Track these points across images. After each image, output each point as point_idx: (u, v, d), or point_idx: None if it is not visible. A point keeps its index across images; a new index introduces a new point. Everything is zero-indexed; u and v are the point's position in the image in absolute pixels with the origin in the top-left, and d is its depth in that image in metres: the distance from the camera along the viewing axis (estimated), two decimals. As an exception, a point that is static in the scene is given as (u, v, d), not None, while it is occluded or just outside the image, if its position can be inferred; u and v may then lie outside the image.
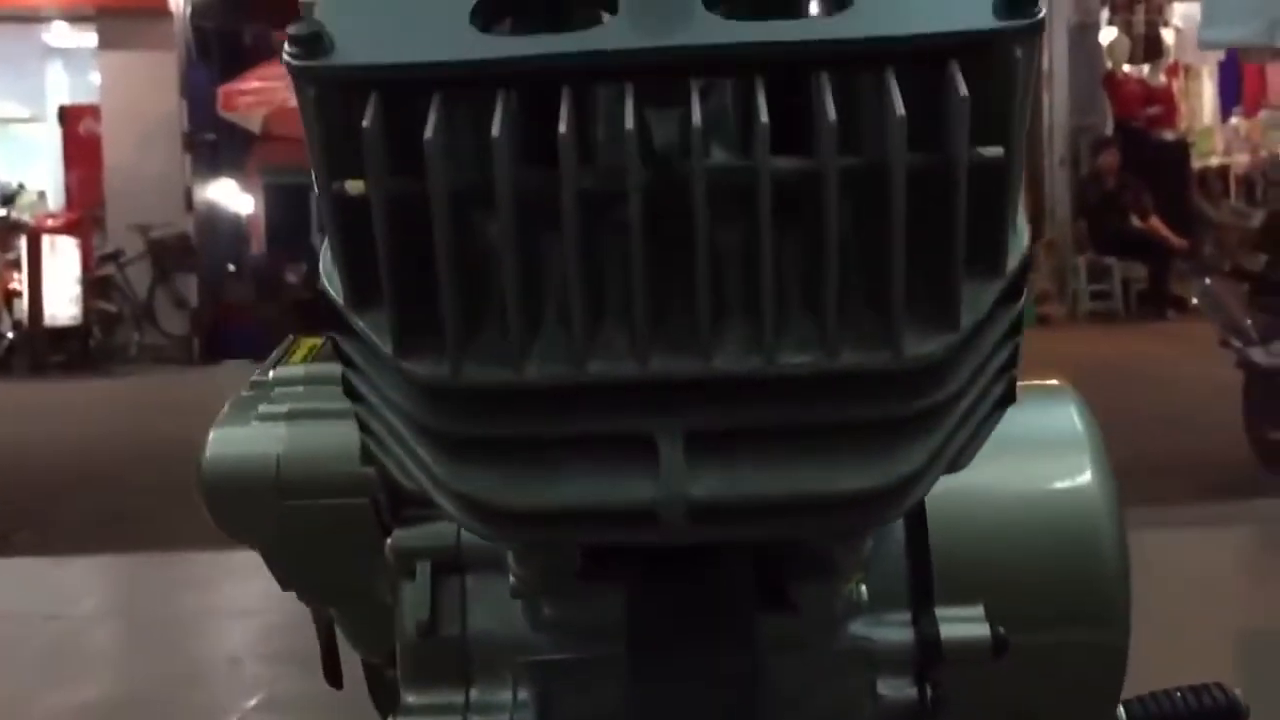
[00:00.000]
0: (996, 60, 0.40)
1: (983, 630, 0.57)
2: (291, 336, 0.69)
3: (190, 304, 8.25)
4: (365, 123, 0.40)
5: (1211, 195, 9.02)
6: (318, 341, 0.69)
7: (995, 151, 0.41)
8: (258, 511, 0.58)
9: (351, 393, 0.47)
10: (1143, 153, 8.39)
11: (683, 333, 0.42)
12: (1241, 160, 9.24)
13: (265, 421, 0.58)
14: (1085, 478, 0.63)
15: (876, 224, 0.41)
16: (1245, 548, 2.82)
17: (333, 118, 0.41)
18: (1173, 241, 7.97)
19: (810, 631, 0.54)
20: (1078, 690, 0.61)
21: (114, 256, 8.10)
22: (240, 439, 0.58)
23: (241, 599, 2.35)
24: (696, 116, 0.40)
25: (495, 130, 0.39)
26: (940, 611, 0.57)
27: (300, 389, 0.60)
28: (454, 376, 0.42)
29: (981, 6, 0.40)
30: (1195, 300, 4.12)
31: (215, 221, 9.01)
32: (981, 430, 0.47)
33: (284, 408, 0.59)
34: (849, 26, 0.40)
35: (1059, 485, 0.63)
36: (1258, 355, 3.70)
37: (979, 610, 0.57)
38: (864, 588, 0.55)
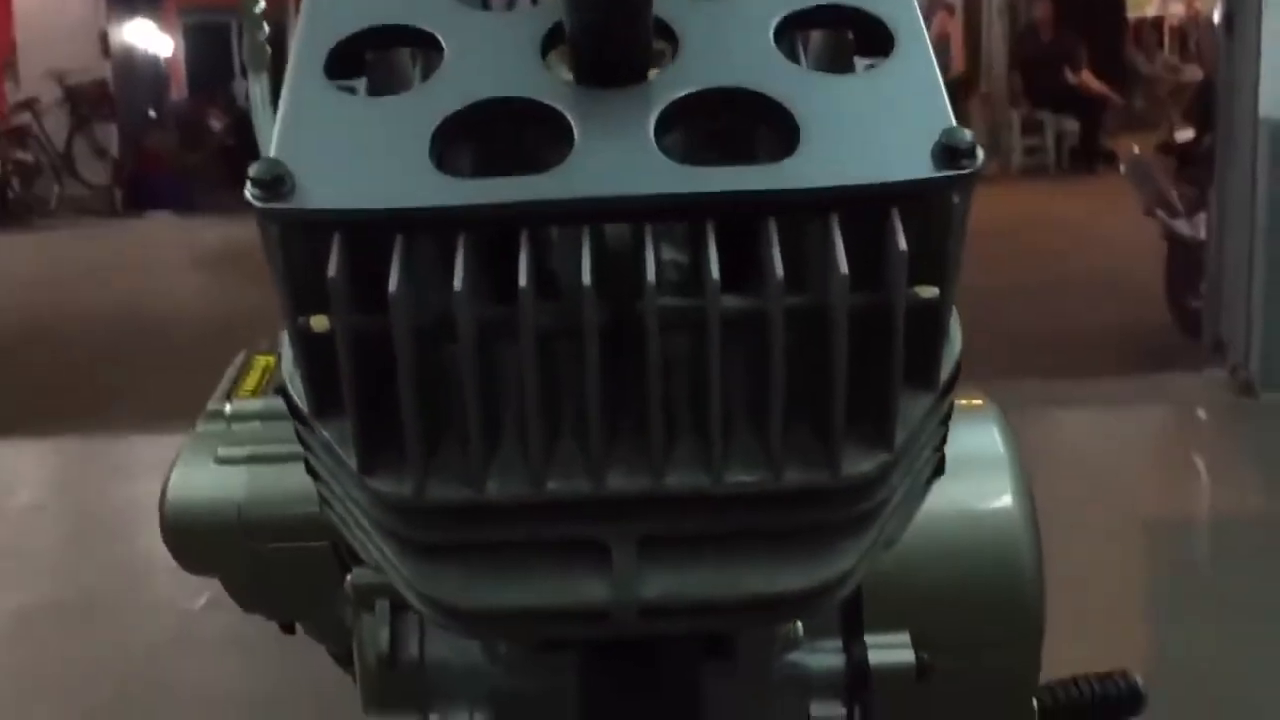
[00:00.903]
0: (934, 206, 0.42)
1: (908, 656, 0.61)
2: (244, 354, 0.70)
3: (110, 153, 8.05)
4: (330, 269, 0.41)
5: (1146, 47, 9.03)
6: (270, 360, 0.71)
7: (932, 292, 0.43)
8: (221, 554, 0.60)
9: (312, 473, 0.49)
10: (1078, 4, 8.35)
11: (635, 451, 0.44)
12: (1176, 11, 9.24)
13: (226, 465, 0.60)
14: (1006, 500, 0.67)
15: (819, 354, 0.43)
16: (1153, 428, 2.92)
17: (296, 255, 0.42)
18: (1105, 95, 8.00)
19: (748, 667, 0.58)
20: (994, 698, 0.66)
21: (29, 105, 7.85)
22: (202, 482, 0.60)
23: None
24: (650, 265, 0.41)
25: (457, 283, 0.41)
26: (870, 639, 0.61)
27: (258, 425, 0.62)
28: (417, 496, 0.44)
29: (920, 155, 0.42)
30: (1123, 170, 4.18)
31: (134, 66, 8.74)
32: (912, 509, 0.50)
33: (244, 450, 0.61)
34: (795, 175, 0.42)
35: (980, 507, 0.67)
36: (1182, 227, 3.78)
37: (905, 638, 0.61)
38: (799, 622, 0.59)
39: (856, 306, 0.42)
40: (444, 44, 0.47)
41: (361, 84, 0.47)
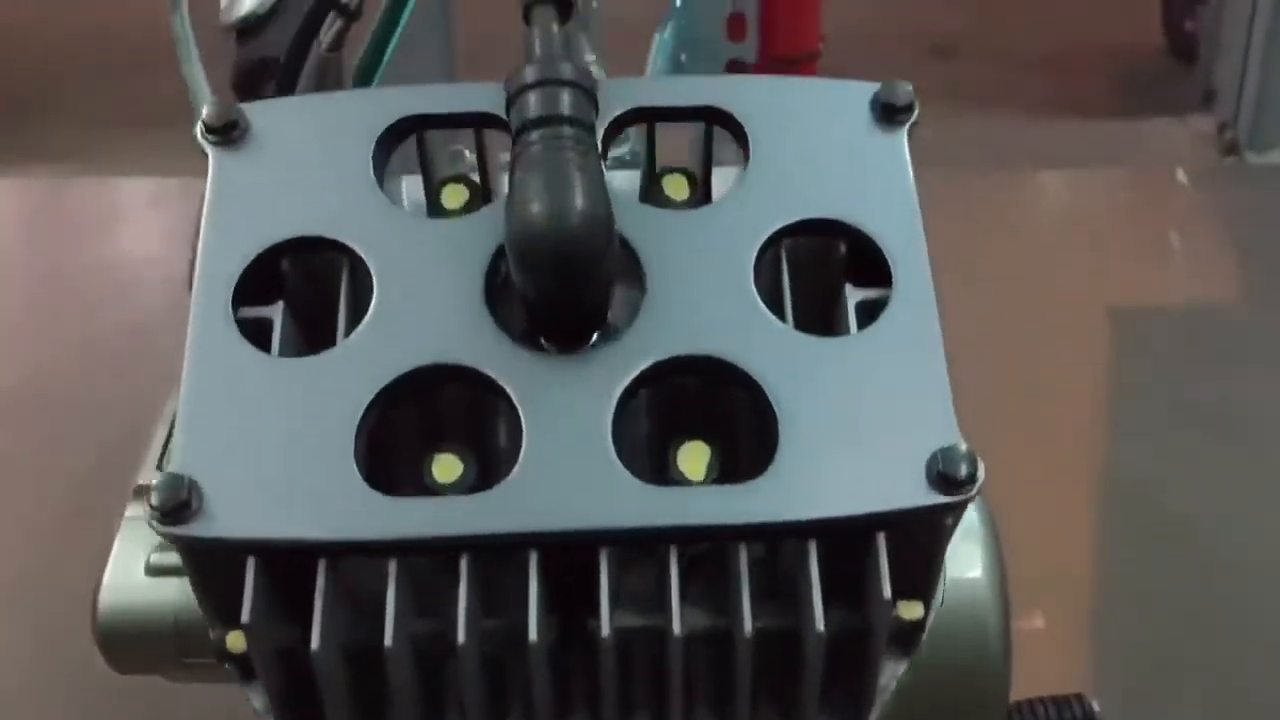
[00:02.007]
0: (925, 529, 0.38)
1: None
2: (171, 407, 0.65)
3: None
4: (245, 597, 0.36)
5: None
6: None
7: (915, 612, 0.39)
8: (158, 663, 0.57)
9: None
10: None
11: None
12: None
13: (158, 575, 0.57)
14: (976, 572, 0.64)
15: (789, 661, 0.40)
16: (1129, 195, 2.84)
17: (208, 573, 0.38)
18: None
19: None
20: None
21: None
22: (135, 593, 0.57)
23: (141, 245, 2.29)
24: (605, 590, 0.37)
25: (389, 619, 0.36)
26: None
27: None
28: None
29: (913, 477, 0.37)
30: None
31: None
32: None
33: (174, 559, 0.57)
34: (774, 503, 0.37)
35: (950, 578, 0.64)
36: (1183, -54, 3.60)
37: None
38: None
39: (832, 629, 0.38)
40: (371, 270, 0.40)
41: (278, 311, 0.41)
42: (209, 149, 0.42)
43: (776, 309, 0.40)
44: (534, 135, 0.38)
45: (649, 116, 0.43)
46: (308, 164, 0.42)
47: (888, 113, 0.43)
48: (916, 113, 0.43)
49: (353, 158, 0.42)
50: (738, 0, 0.82)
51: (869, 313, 0.40)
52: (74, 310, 2.14)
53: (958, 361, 0.41)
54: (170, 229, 2.23)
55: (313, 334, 0.41)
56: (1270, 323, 1.98)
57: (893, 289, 0.40)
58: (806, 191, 0.41)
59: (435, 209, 0.44)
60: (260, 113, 0.43)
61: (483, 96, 0.43)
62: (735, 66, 0.84)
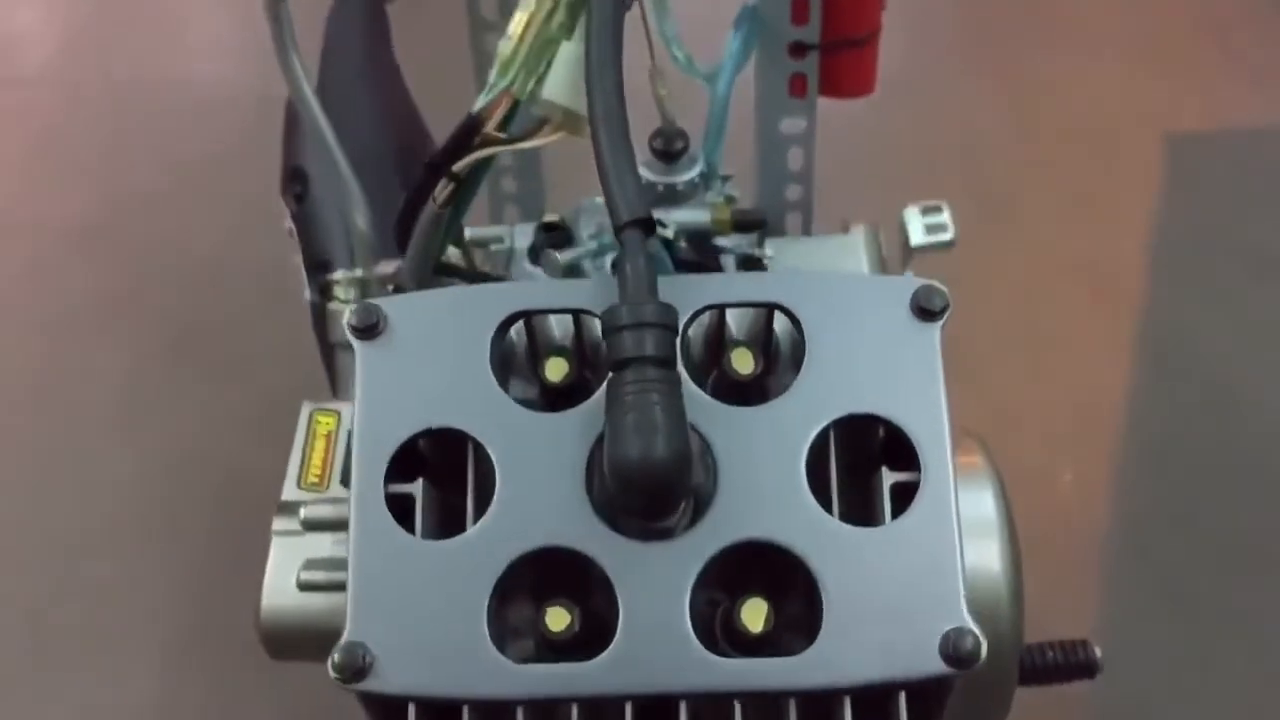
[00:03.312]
0: (936, 689, 0.48)
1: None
2: (307, 412, 0.75)
3: None
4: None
5: None
6: (331, 423, 0.76)
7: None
8: (306, 655, 0.69)
9: None
10: None
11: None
12: None
13: (307, 590, 0.68)
14: (994, 567, 0.73)
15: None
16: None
17: (379, 713, 0.49)
18: None
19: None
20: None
21: None
22: (290, 601, 0.68)
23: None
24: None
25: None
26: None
27: (330, 544, 0.69)
28: None
29: (928, 653, 0.47)
30: None
31: None
32: None
33: (323, 576, 0.68)
34: (818, 670, 0.47)
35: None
36: None
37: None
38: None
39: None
40: (492, 456, 0.49)
41: (419, 488, 0.50)
42: (356, 344, 0.51)
43: (823, 492, 0.49)
44: (627, 376, 0.46)
45: (720, 308, 0.51)
46: (438, 357, 0.51)
47: (924, 314, 0.50)
48: (949, 314, 0.50)
49: (474, 351, 0.50)
50: (799, -14, 0.86)
51: (900, 493, 0.49)
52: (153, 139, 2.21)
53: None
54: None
55: (449, 505, 0.51)
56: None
57: (921, 478, 0.49)
58: (852, 388, 0.50)
59: (539, 377, 0.53)
60: (397, 308, 0.51)
61: (582, 293, 0.51)
62: (798, 49, 0.89)
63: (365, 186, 1.21)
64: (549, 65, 0.55)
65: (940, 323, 0.50)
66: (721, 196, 0.83)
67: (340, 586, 0.68)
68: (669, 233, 0.76)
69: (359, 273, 0.85)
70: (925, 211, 0.97)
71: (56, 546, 1.55)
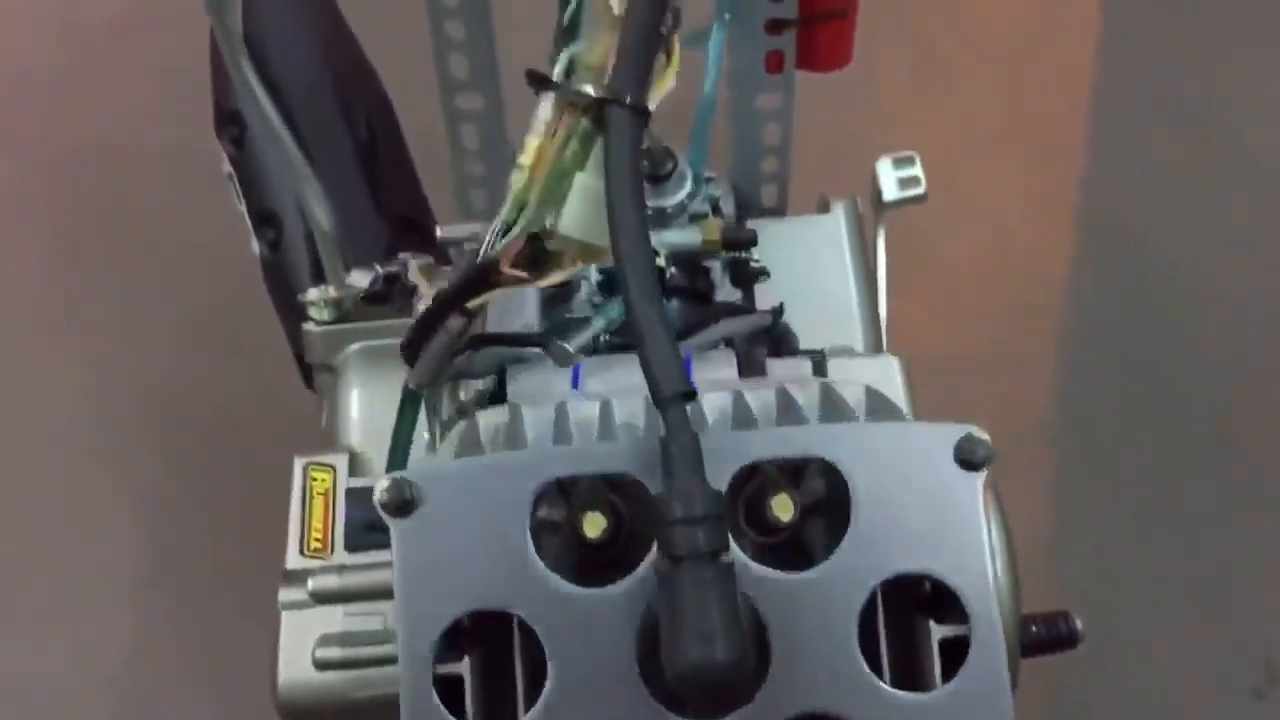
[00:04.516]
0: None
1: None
2: (301, 468, 0.73)
3: None
4: None
5: None
6: (326, 479, 0.74)
7: None
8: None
9: None
10: None
11: None
12: None
13: (326, 670, 0.68)
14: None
15: None
16: None
17: None
18: None
19: None
20: None
21: None
22: (308, 679, 0.68)
23: None
24: None
25: None
26: None
27: (341, 615, 0.68)
28: None
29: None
30: None
31: None
32: None
33: (339, 653, 0.67)
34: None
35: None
36: None
37: None
38: None
39: None
40: (539, 635, 0.49)
41: (466, 668, 0.50)
42: (389, 521, 0.49)
43: (872, 651, 0.50)
44: (682, 573, 0.46)
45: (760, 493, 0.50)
46: (476, 531, 0.49)
47: (967, 465, 0.50)
48: (993, 462, 0.50)
49: (513, 525, 0.49)
50: (774, -37, 0.82)
51: (947, 647, 0.50)
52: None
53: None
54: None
55: (498, 682, 0.50)
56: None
57: (970, 633, 0.49)
58: (899, 545, 0.49)
59: (576, 531, 0.51)
60: (430, 483, 0.49)
61: (620, 457, 0.50)
62: (775, 25, 0.85)
63: (308, 135, 1.15)
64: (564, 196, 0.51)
65: (984, 471, 0.50)
66: (705, 204, 0.80)
67: (358, 663, 0.69)
68: (660, 261, 0.74)
69: (333, 292, 0.82)
70: (897, 164, 0.95)
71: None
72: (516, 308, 0.78)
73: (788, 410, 0.55)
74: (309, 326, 0.82)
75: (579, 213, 0.51)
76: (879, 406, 0.57)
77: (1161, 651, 1.30)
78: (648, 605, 0.49)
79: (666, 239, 0.75)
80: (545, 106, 0.51)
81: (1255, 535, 1.38)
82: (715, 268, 0.80)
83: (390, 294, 0.82)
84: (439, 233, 0.85)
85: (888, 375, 0.77)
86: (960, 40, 1.92)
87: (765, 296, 0.83)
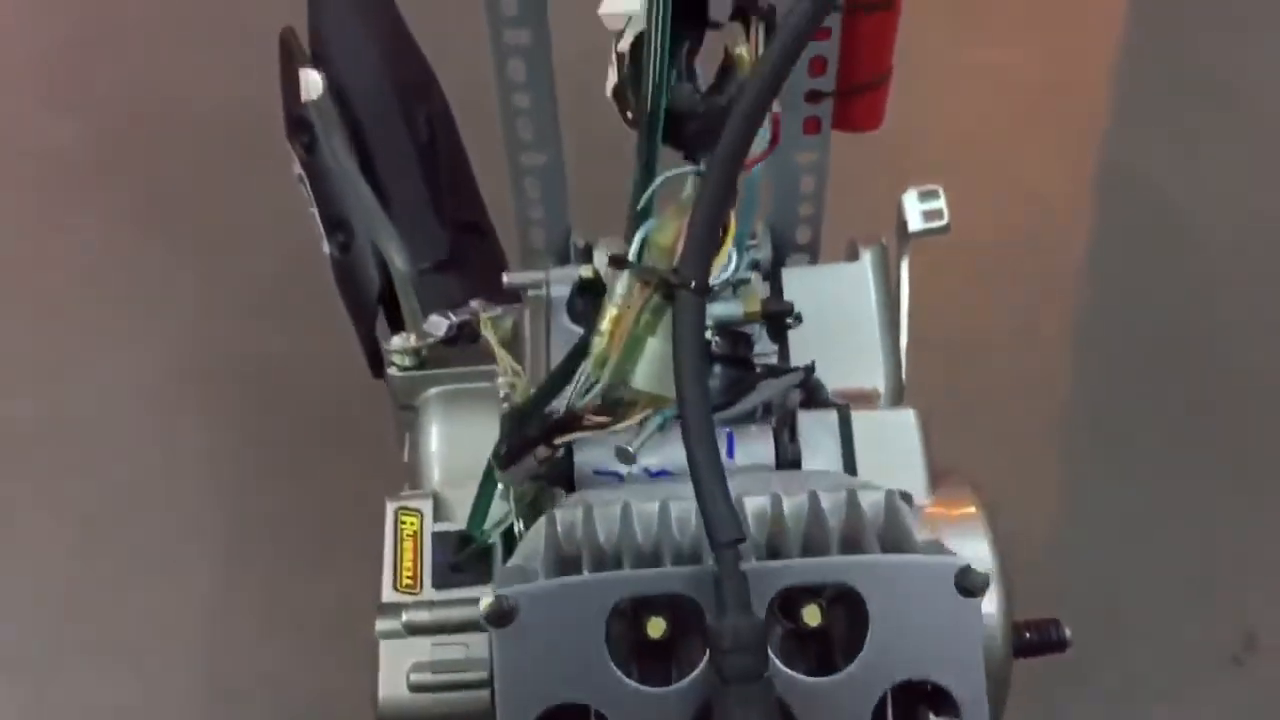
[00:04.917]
0: None
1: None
2: (391, 512, 0.84)
3: None
4: None
5: None
6: (415, 523, 0.85)
7: None
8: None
9: None
10: None
11: None
12: None
13: (417, 691, 0.79)
14: (991, 608, 0.85)
15: None
16: None
17: None
18: None
19: None
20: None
21: None
22: (403, 701, 0.80)
23: None
24: None
25: None
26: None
27: (431, 647, 0.80)
28: None
29: None
30: None
31: None
32: None
33: (433, 678, 0.79)
34: None
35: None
36: None
37: None
38: None
39: None
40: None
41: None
42: (491, 630, 0.60)
43: None
44: (731, 694, 0.57)
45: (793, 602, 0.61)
46: (562, 639, 0.60)
47: (965, 592, 0.60)
48: (989, 591, 0.60)
49: (592, 634, 0.60)
50: (817, 47, 0.90)
51: (943, 731, 0.61)
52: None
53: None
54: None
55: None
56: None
57: (961, 720, 0.60)
58: (908, 656, 0.60)
59: (642, 629, 0.62)
60: (526, 601, 0.60)
61: (680, 580, 0.60)
62: (814, 95, 0.93)
63: (372, 140, 1.24)
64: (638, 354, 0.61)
65: (981, 596, 0.61)
66: (748, 270, 0.89)
67: (445, 688, 0.81)
68: (707, 334, 0.83)
69: (413, 341, 0.92)
70: (922, 197, 1.03)
71: (88, 446, 1.62)
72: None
73: (816, 524, 0.66)
74: (392, 371, 0.92)
75: (651, 371, 0.61)
76: (894, 519, 0.67)
77: (1151, 620, 1.43)
78: (703, 700, 0.60)
79: (712, 311, 0.85)
80: (622, 281, 0.61)
81: (1246, 514, 1.49)
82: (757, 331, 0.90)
83: (460, 338, 0.92)
84: (505, 279, 0.95)
85: (905, 428, 0.87)
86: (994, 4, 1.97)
87: (798, 344, 0.93)
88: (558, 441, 0.65)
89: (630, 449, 0.71)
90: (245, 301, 1.72)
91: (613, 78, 0.64)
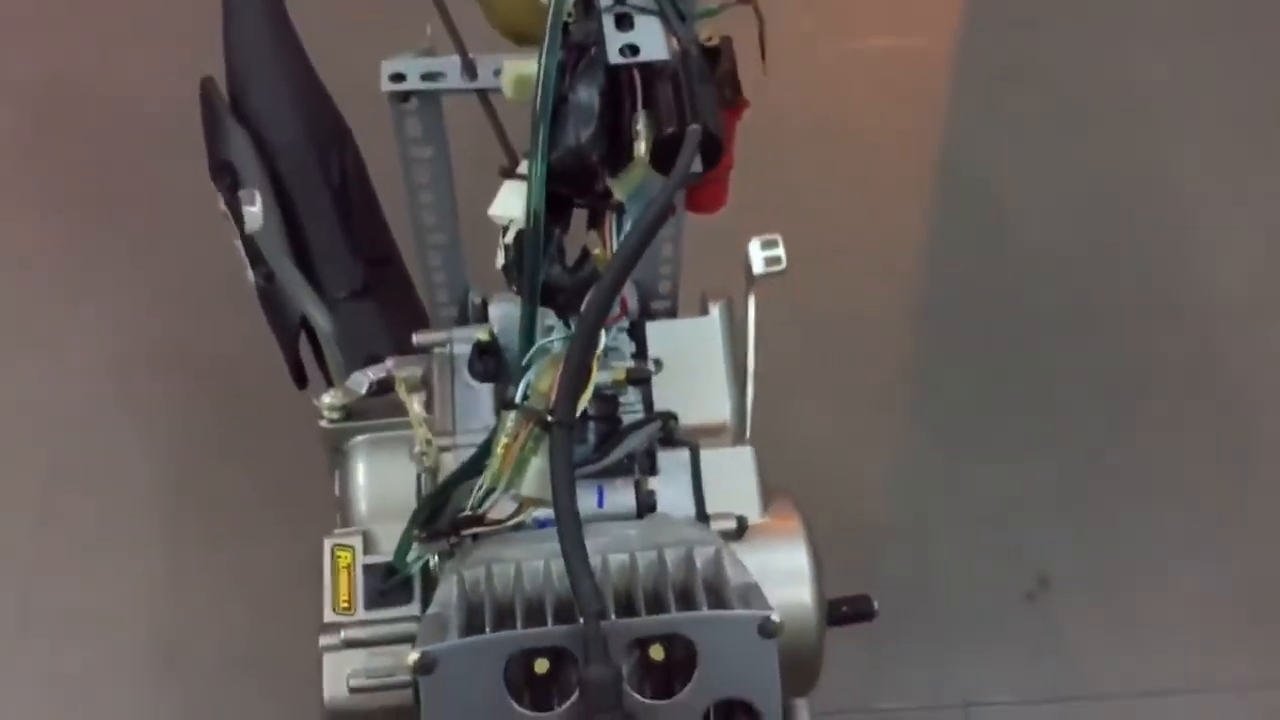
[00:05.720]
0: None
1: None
2: (328, 548, 1.04)
3: None
4: None
5: None
6: (348, 558, 1.05)
7: None
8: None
9: None
10: None
11: None
12: None
13: (356, 693, 1.00)
14: (806, 601, 1.08)
15: None
16: None
17: None
18: None
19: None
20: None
21: None
22: (348, 698, 1.01)
23: None
24: None
25: None
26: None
27: (365, 657, 1.01)
28: None
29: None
30: None
31: None
32: None
33: (372, 682, 1.00)
34: None
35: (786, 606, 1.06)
36: None
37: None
38: None
39: None
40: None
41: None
42: (419, 680, 0.81)
43: None
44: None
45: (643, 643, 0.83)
46: (472, 681, 0.81)
47: (765, 634, 0.82)
48: (780, 634, 0.83)
49: (494, 677, 0.81)
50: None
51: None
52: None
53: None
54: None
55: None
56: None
57: (763, 721, 0.83)
58: (728, 681, 0.83)
59: (529, 665, 0.84)
60: (443, 654, 0.81)
61: (560, 637, 0.82)
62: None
63: (290, 184, 1.42)
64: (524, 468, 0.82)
65: (774, 639, 0.83)
66: (616, 339, 1.09)
67: (378, 689, 1.02)
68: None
69: (341, 398, 1.11)
70: (764, 245, 1.24)
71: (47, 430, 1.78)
72: (473, 408, 1.08)
73: (662, 578, 0.88)
74: (322, 423, 1.11)
75: (535, 481, 0.82)
76: (718, 573, 0.89)
77: (955, 559, 1.69)
78: None
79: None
80: (511, 419, 0.81)
81: (1045, 469, 1.76)
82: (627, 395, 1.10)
83: (380, 392, 1.12)
84: (415, 338, 1.14)
85: (744, 462, 1.09)
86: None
87: (660, 386, 1.14)
88: (464, 533, 0.86)
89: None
90: (185, 291, 1.87)
91: (501, 259, 0.84)
